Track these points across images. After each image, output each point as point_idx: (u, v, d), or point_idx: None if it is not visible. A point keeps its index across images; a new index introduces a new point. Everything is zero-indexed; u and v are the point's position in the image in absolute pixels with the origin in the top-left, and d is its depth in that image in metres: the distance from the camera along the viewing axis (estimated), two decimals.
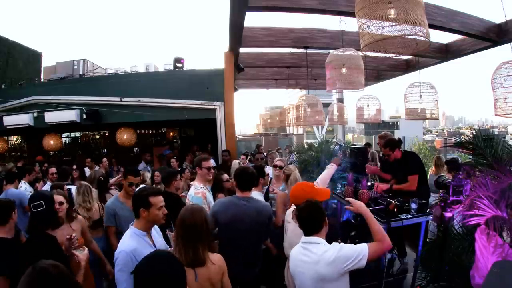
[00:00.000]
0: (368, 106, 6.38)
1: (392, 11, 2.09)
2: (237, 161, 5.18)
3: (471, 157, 2.09)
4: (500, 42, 4.73)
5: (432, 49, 5.63)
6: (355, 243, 1.67)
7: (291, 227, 2.15)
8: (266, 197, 3.28)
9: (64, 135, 9.42)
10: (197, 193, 2.68)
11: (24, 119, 6.42)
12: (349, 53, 3.74)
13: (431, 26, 2.55)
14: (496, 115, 3.32)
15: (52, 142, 7.27)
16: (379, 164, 5.05)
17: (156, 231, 2.02)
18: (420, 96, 4.75)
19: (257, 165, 3.86)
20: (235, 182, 2.43)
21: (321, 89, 7.63)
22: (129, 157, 8.84)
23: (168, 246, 2.04)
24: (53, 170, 4.25)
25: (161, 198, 1.91)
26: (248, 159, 5.89)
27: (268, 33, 5.15)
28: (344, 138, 11.24)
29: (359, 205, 1.82)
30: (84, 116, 6.21)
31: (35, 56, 9.55)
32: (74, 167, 4.92)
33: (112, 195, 3.32)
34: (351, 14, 3.60)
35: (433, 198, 3.53)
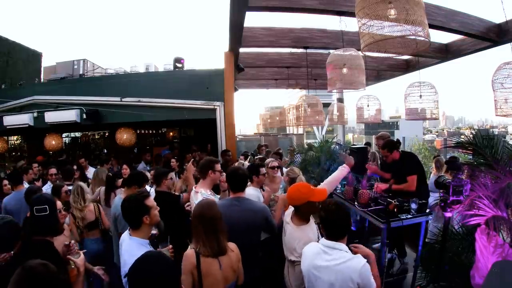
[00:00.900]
0: (368, 106, 6.37)
1: (392, 11, 2.09)
2: (242, 161, 5.12)
3: (471, 157, 2.09)
4: (500, 42, 4.73)
5: (432, 49, 5.63)
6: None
7: (289, 229, 2.13)
8: None
9: (64, 135, 9.43)
10: None
11: (24, 119, 6.42)
12: (350, 53, 3.73)
13: (431, 26, 2.55)
14: (497, 115, 3.32)
15: (53, 142, 7.27)
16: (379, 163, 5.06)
17: None
18: (420, 96, 4.74)
19: (253, 163, 3.84)
20: (227, 183, 2.41)
21: (321, 89, 7.62)
22: (129, 157, 8.84)
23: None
24: (53, 171, 4.24)
25: (151, 198, 1.93)
26: (248, 160, 5.87)
27: (268, 33, 5.14)
28: (344, 138, 11.22)
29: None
30: (84, 116, 6.21)
31: (35, 56, 9.55)
32: (75, 167, 4.92)
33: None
34: (351, 14, 3.61)
35: (433, 198, 3.54)
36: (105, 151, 9.42)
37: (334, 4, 3.88)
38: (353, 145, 6.49)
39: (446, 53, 5.88)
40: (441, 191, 2.18)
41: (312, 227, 2.12)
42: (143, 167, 6.27)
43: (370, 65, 6.62)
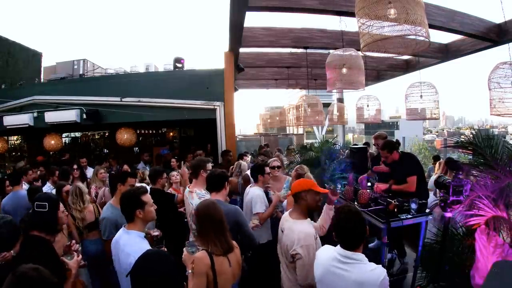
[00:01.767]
0: (368, 106, 6.38)
1: (392, 11, 2.09)
2: (245, 162, 5.11)
3: (471, 157, 2.09)
4: (500, 42, 4.74)
5: (432, 49, 5.64)
6: None
7: (288, 224, 2.11)
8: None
9: (64, 135, 9.42)
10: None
11: (24, 119, 6.42)
12: (349, 53, 3.74)
13: (431, 26, 2.55)
14: (491, 114, 3.32)
15: (52, 142, 7.26)
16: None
17: None
18: (421, 96, 4.75)
19: (256, 163, 3.86)
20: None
21: (321, 89, 7.62)
22: (129, 157, 8.84)
23: None
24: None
25: (149, 195, 1.98)
26: (249, 160, 5.86)
27: (268, 33, 5.15)
28: (344, 138, 11.22)
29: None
30: (84, 116, 6.21)
31: (35, 56, 9.54)
32: (75, 167, 4.90)
33: None
34: (351, 14, 3.60)
35: (433, 198, 3.54)
36: (106, 151, 9.42)
37: (334, 4, 3.89)
38: (354, 145, 6.49)
39: (446, 53, 5.89)
40: (441, 191, 2.18)
41: (310, 224, 2.12)
42: (142, 167, 6.27)
43: (370, 65, 6.63)
